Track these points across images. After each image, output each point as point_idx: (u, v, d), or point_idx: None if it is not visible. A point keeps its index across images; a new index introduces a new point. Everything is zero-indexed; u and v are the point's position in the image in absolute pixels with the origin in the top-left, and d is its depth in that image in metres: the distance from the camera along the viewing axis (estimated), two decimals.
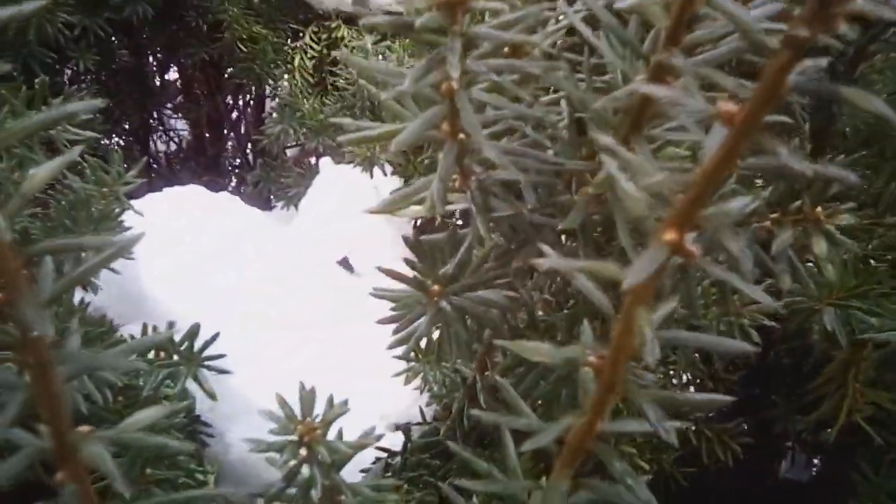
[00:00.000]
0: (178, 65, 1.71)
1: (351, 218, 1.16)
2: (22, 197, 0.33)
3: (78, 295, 0.85)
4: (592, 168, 0.49)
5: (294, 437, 0.45)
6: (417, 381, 0.94)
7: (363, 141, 0.48)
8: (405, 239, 0.58)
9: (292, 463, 0.45)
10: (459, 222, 1.02)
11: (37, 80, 0.79)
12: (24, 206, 0.33)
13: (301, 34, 1.39)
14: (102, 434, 0.37)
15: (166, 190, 1.09)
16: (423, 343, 0.77)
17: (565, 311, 0.67)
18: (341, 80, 1.30)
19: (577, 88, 0.46)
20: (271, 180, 1.33)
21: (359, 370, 0.98)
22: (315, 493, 0.45)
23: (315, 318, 1.00)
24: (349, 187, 1.16)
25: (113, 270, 0.84)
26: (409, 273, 0.58)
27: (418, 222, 1.17)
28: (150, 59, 1.58)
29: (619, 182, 0.29)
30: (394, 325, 0.58)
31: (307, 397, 0.46)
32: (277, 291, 0.98)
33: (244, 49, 1.33)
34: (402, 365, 0.94)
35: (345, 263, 1.16)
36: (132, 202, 0.86)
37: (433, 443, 0.94)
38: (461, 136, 0.50)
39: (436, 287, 0.57)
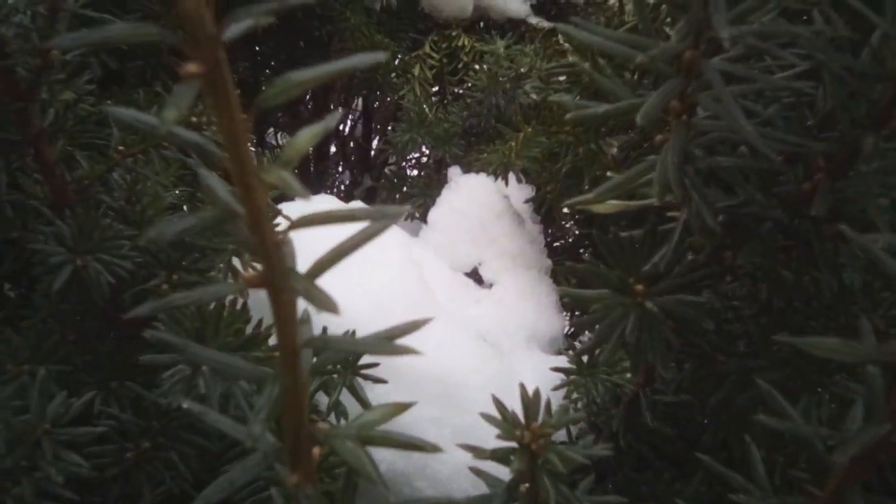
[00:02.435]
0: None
1: (481, 228, 1.12)
2: (286, 164, 0.29)
3: None
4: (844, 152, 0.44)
5: (516, 444, 0.41)
6: (558, 398, 0.89)
7: (589, 118, 0.43)
8: (598, 236, 0.54)
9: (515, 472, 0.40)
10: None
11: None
12: (288, 173, 0.29)
13: (421, 44, 1.37)
14: (347, 431, 0.33)
15: (297, 199, 1.07)
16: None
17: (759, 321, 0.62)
18: (464, 89, 1.27)
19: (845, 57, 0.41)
20: (395, 190, 1.30)
21: (499, 386, 0.94)
22: None
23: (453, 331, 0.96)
24: (480, 196, 1.12)
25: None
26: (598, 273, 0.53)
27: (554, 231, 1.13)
28: (269, 72, 1.58)
29: None
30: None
31: (532, 401, 0.42)
32: (416, 300, 0.94)
33: None
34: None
35: (474, 275, 1.12)
36: None
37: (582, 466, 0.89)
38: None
39: (639, 287, 0.52)
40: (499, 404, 0.42)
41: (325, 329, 0.76)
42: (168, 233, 0.27)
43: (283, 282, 0.28)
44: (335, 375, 0.73)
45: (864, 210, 0.48)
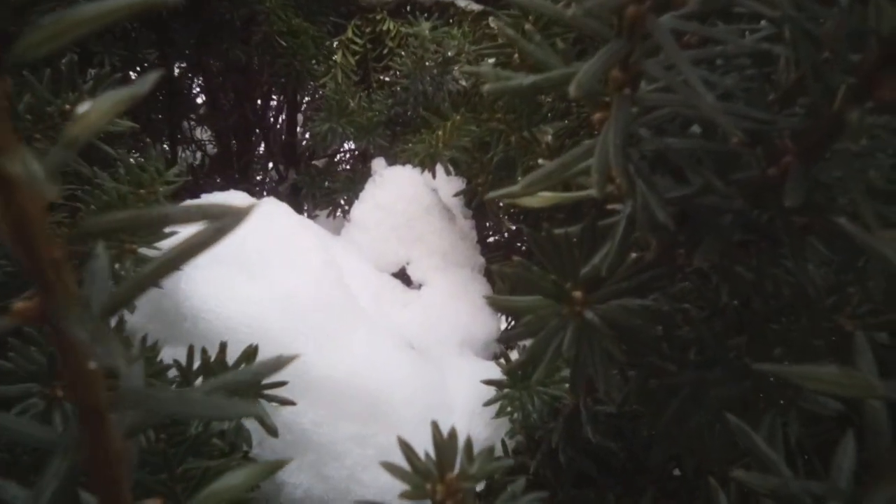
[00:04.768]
0: (204, 70, 1.60)
1: (408, 225, 1.03)
2: (66, 145, 0.20)
3: None
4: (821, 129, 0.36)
5: (428, 502, 0.32)
6: (492, 410, 0.81)
7: (512, 91, 0.35)
8: (529, 233, 0.46)
9: None
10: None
11: (63, 61, 0.67)
12: (68, 158, 0.20)
13: (343, 28, 1.27)
14: None
15: (204, 196, 0.97)
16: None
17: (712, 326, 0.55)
18: (390, 76, 1.18)
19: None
20: (315, 186, 1.20)
21: (429, 398, 0.85)
22: None
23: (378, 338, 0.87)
24: (406, 190, 1.03)
25: (154, 284, 0.72)
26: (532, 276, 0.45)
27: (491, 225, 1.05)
28: (180, 60, 1.46)
29: None
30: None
31: (447, 445, 0.33)
32: (336, 307, 0.85)
33: (283, 44, 1.21)
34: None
35: (402, 276, 1.03)
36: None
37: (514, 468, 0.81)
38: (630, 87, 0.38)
39: (577, 293, 0.44)
40: (406, 449, 0.34)
41: (223, 346, 0.67)
42: None
43: (64, 319, 0.19)
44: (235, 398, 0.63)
45: (834, 197, 0.41)
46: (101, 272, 0.24)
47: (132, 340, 0.62)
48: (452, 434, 0.34)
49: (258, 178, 1.86)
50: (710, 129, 0.43)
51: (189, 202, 0.79)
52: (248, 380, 0.26)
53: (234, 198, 0.98)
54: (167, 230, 0.69)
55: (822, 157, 0.36)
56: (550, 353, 0.44)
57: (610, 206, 0.51)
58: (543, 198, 0.46)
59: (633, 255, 0.48)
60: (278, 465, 0.28)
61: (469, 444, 0.35)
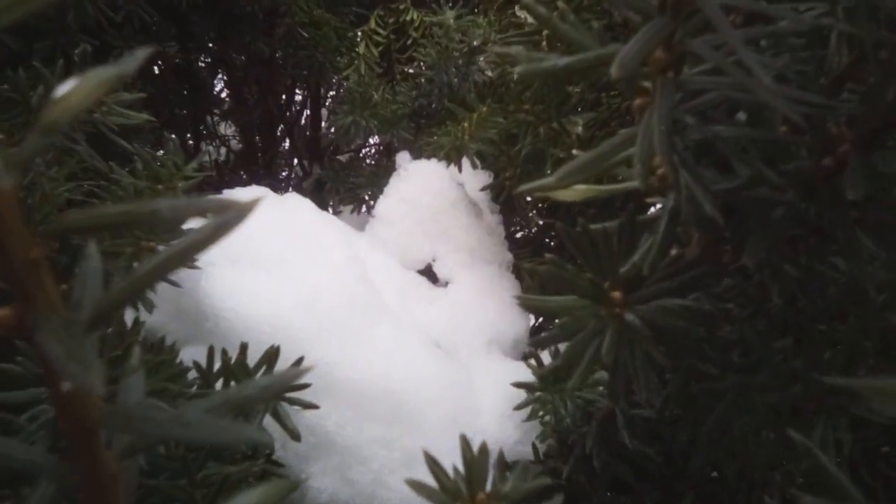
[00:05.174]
0: (228, 64, 1.58)
1: (434, 220, 1.01)
2: (43, 131, 0.18)
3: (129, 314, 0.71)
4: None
5: None
6: (523, 412, 0.78)
7: (545, 73, 0.32)
8: (562, 229, 0.43)
9: None
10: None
11: (76, 51, 0.65)
12: (42, 148, 0.18)
13: (366, 19, 1.25)
14: None
15: (226, 192, 0.95)
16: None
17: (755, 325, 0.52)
18: (414, 68, 1.15)
19: None
20: (339, 181, 1.18)
21: (456, 400, 0.83)
22: None
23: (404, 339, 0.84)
24: (432, 185, 1.00)
25: (172, 283, 0.70)
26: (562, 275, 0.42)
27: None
28: (203, 54, 1.44)
29: None
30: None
31: (477, 461, 0.30)
32: (360, 304, 0.83)
33: (305, 35, 1.19)
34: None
35: (428, 273, 1.01)
36: None
37: (552, 486, 0.78)
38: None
39: (616, 294, 0.41)
40: (433, 465, 0.31)
41: (244, 348, 0.65)
42: None
43: (40, 331, 0.17)
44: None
45: (888, 188, 0.37)
46: (93, 275, 0.21)
47: (147, 342, 0.59)
48: (483, 450, 0.31)
49: (283, 174, 1.85)
50: (757, 117, 0.40)
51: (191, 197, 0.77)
52: (267, 389, 0.23)
53: (256, 193, 0.96)
54: (185, 226, 0.66)
55: (881, 145, 0.33)
56: (588, 357, 0.41)
57: (649, 200, 0.48)
58: (578, 191, 0.43)
59: (672, 252, 0.45)
60: (296, 485, 0.25)
61: (502, 458, 0.33)
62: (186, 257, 0.20)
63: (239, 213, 0.20)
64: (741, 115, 0.40)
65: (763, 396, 0.47)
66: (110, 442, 0.22)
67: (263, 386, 0.22)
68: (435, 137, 0.96)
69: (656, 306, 0.41)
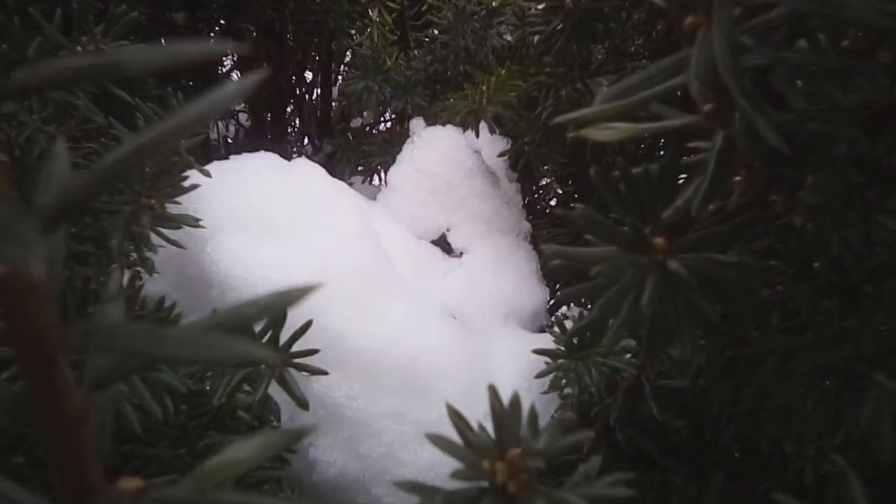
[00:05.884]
0: (237, 38, 1.54)
1: (449, 189, 0.97)
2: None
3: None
4: None
5: (486, 483, 0.26)
6: (541, 385, 0.74)
7: None
8: (598, 174, 0.38)
9: None
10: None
11: (75, 2, 0.62)
12: None
13: None
14: (167, 495, 0.18)
15: (233, 157, 0.91)
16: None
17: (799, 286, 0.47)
18: (429, 36, 1.11)
19: None
20: (351, 149, 1.14)
21: (471, 372, 0.79)
22: None
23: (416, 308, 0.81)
24: (447, 152, 0.96)
25: (177, 245, 0.67)
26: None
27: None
28: (212, 26, 1.40)
29: None
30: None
31: (509, 416, 0.27)
32: (372, 274, 0.79)
33: (316, 1, 1.15)
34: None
35: (442, 243, 0.97)
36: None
37: (572, 461, 0.75)
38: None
39: (659, 240, 0.37)
40: (458, 420, 0.27)
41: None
42: None
43: None
44: (264, 367, 0.58)
45: None
46: (58, 175, 0.17)
47: (149, 303, 0.56)
48: (515, 402, 0.27)
49: (294, 151, 1.81)
50: (817, 44, 0.36)
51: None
52: (268, 308, 0.19)
53: (265, 158, 0.92)
54: (188, 183, 0.63)
55: None
56: (625, 310, 0.37)
57: (690, 144, 0.44)
58: (616, 130, 0.39)
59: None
60: (299, 434, 0.22)
61: (533, 413, 0.29)
62: (165, 142, 0.16)
63: (225, 94, 0.16)
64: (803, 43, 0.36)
65: (813, 357, 0.43)
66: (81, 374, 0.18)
67: (264, 305, 0.18)
68: (451, 101, 0.92)
69: (703, 256, 0.37)
